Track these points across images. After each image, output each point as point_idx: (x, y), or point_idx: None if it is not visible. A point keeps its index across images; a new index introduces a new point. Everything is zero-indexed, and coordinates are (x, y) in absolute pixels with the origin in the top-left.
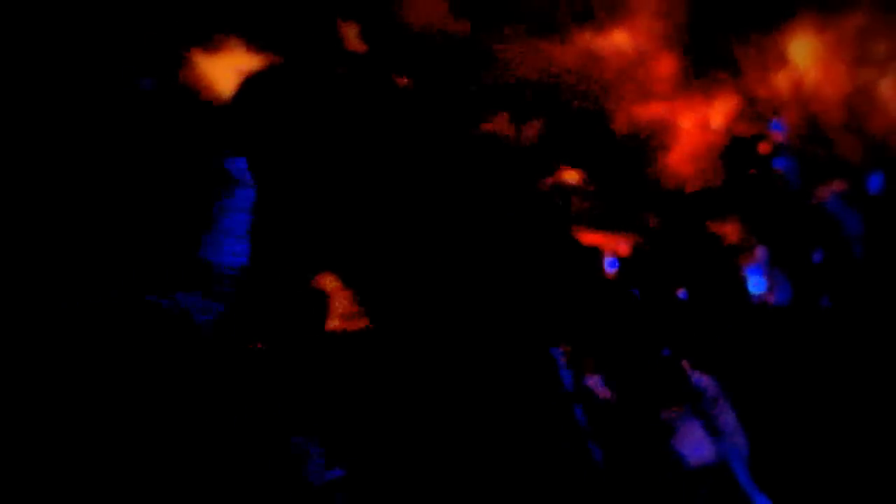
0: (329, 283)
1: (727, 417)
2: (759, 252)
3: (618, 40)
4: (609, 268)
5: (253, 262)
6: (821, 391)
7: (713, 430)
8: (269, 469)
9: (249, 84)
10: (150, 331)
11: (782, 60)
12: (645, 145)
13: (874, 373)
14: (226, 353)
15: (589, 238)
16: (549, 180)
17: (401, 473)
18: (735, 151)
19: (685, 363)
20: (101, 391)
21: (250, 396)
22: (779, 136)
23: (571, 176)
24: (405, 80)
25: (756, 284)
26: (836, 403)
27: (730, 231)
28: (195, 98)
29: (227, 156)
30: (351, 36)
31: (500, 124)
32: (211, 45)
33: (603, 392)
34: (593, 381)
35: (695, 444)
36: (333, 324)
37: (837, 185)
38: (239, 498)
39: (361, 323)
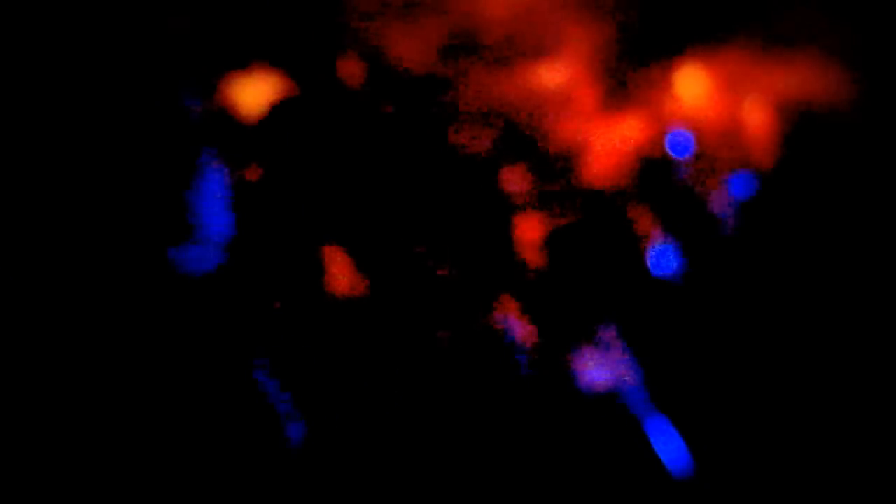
0: (330, 253)
1: (626, 356)
2: (661, 235)
3: (552, 73)
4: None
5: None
6: (699, 334)
7: (614, 365)
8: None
9: (273, 105)
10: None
11: (674, 90)
12: (571, 153)
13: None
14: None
15: (527, 221)
16: (498, 178)
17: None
18: (642, 158)
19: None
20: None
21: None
22: (675, 147)
23: (515, 175)
24: (388, 107)
25: (659, 259)
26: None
27: (638, 218)
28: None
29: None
30: (348, 68)
31: (460, 137)
32: (242, 71)
33: (527, 335)
34: (518, 326)
35: (598, 374)
36: (333, 288)
37: (717, 186)
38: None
39: (357, 287)
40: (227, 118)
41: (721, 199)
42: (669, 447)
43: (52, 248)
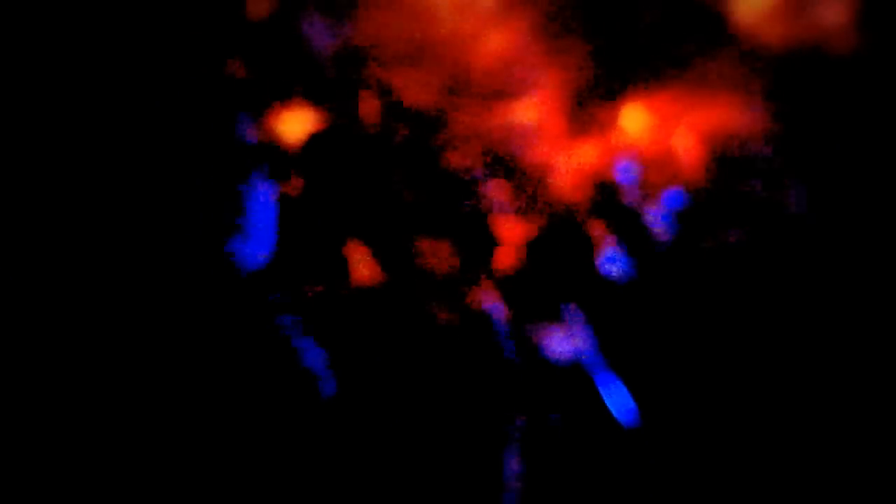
0: (352, 248)
1: (583, 333)
2: (610, 240)
3: (526, 109)
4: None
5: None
6: (641, 316)
7: (575, 340)
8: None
9: (310, 134)
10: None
11: (621, 124)
12: (541, 173)
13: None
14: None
15: (506, 224)
16: (479, 192)
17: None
18: (594, 178)
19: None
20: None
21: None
22: (621, 170)
23: (497, 188)
24: (399, 135)
25: (608, 259)
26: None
27: (591, 227)
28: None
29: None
30: (367, 105)
31: (455, 158)
32: (284, 107)
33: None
34: (498, 306)
35: (561, 346)
36: (356, 275)
37: (654, 201)
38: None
39: (376, 275)
40: (272, 144)
41: (657, 210)
42: (619, 402)
43: (143, 248)
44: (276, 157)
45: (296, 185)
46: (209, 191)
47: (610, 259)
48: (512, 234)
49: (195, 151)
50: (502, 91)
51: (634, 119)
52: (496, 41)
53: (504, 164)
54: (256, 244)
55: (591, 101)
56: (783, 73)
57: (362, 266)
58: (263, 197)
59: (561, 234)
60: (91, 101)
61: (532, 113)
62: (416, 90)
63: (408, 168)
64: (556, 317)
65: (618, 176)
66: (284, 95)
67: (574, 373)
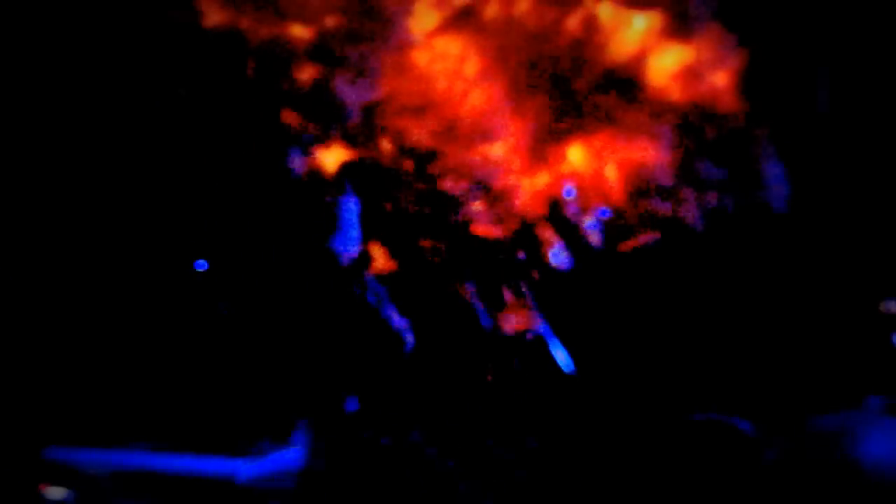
0: (374, 247)
1: (533, 308)
2: (558, 242)
3: (497, 150)
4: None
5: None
6: (580, 299)
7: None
8: None
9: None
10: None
11: (567, 159)
12: (509, 194)
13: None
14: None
15: (480, 231)
16: (461, 211)
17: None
18: (548, 198)
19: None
20: None
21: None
22: (567, 193)
23: (475, 205)
24: (407, 168)
25: (556, 256)
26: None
27: (545, 233)
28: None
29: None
30: (384, 144)
31: (445, 184)
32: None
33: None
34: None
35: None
36: (375, 266)
37: (590, 215)
38: None
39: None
40: (316, 174)
41: (591, 221)
42: (562, 357)
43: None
44: (320, 184)
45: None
46: (293, 205)
47: (556, 254)
48: (486, 236)
49: (264, 181)
50: (482, 135)
51: (576, 155)
52: (477, 98)
53: (483, 187)
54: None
55: (546, 142)
56: (682, 123)
57: (380, 259)
58: (350, 208)
59: (522, 237)
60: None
61: (503, 151)
62: (419, 134)
63: (412, 190)
64: (517, 296)
65: (563, 196)
66: (325, 138)
67: (530, 338)
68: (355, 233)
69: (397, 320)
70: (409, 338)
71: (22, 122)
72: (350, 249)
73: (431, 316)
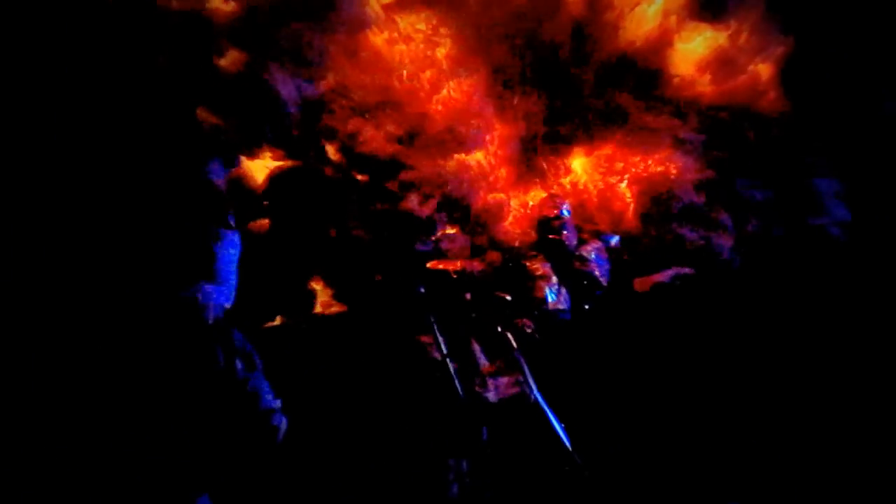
0: (316, 284)
1: (525, 368)
2: (553, 278)
3: (478, 159)
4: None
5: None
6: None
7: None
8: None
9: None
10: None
11: (566, 171)
12: (490, 215)
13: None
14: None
15: (453, 264)
16: (438, 234)
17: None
18: (541, 221)
19: (507, 334)
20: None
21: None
22: (564, 214)
23: (449, 231)
24: (361, 179)
25: (551, 296)
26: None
27: (537, 266)
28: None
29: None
30: (333, 151)
31: (411, 202)
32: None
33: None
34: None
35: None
36: (317, 309)
37: (595, 243)
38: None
39: (337, 309)
40: (242, 185)
41: (598, 249)
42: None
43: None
44: (243, 199)
45: (262, 224)
46: (178, 233)
47: (551, 294)
48: (463, 271)
49: (166, 193)
50: (457, 141)
51: (578, 167)
52: (452, 93)
53: (458, 207)
54: (222, 285)
55: (539, 150)
56: (713, 126)
57: (323, 299)
58: (229, 241)
59: (508, 272)
60: (66, 141)
61: (484, 161)
62: (375, 139)
63: (367, 209)
64: (500, 355)
65: (561, 220)
66: (253, 143)
67: (518, 407)
68: (233, 279)
69: (269, 399)
70: (282, 422)
71: None
72: (221, 300)
73: (384, 377)
